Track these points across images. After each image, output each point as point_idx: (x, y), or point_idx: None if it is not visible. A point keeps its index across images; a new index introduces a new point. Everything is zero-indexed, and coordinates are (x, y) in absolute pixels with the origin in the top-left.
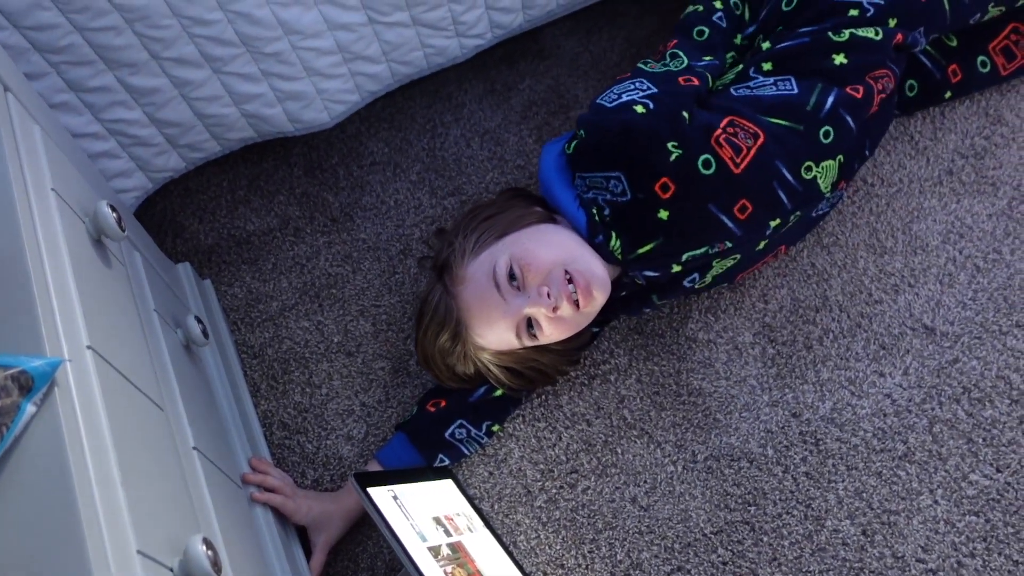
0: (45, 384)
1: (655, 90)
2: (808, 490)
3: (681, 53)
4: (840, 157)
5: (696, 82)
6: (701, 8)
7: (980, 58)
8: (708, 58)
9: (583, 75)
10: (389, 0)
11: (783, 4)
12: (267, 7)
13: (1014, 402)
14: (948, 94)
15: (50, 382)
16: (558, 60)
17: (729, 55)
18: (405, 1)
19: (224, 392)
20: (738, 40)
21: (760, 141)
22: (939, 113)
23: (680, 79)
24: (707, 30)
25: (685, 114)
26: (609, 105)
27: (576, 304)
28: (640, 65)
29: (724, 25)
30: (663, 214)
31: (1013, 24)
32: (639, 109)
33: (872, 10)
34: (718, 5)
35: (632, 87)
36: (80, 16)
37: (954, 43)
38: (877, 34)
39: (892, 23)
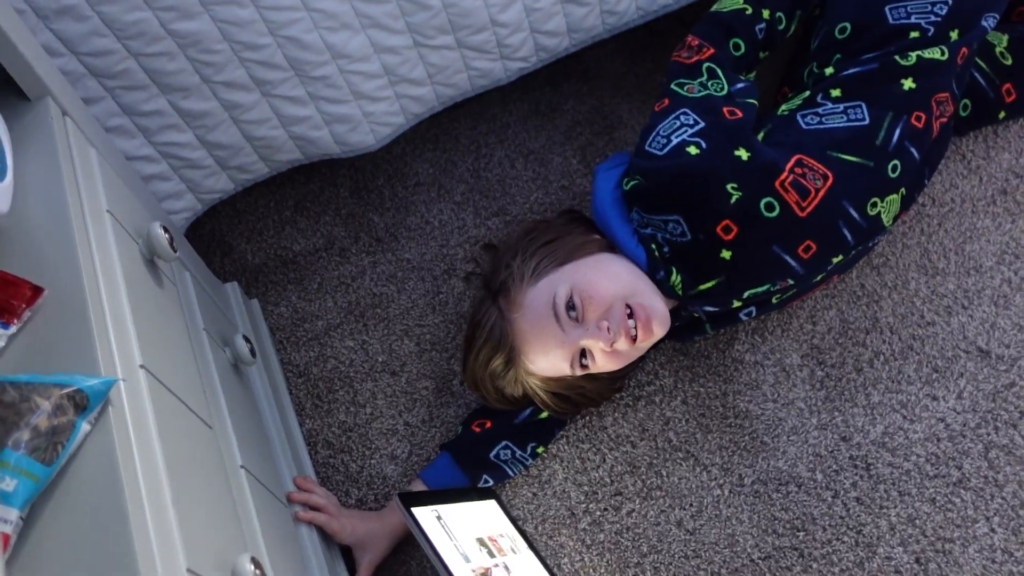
0: (99, 403)
1: (703, 124)
2: (859, 516)
3: (719, 72)
4: (902, 190)
5: (740, 114)
6: (750, 11)
7: None
8: (742, 80)
9: (627, 96)
10: (434, 24)
11: (836, 32)
12: (316, 32)
13: None
14: (1002, 114)
15: (104, 401)
16: (602, 81)
17: (751, 75)
18: (450, 24)
19: (270, 411)
20: (760, 56)
21: (829, 183)
22: (992, 132)
23: (724, 110)
24: (743, 44)
25: (742, 152)
26: (660, 152)
27: (633, 339)
28: (675, 88)
29: (760, 38)
30: (726, 254)
31: None
32: (692, 151)
33: (932, 29)
34: (765, 15)
35: (678, 124)
36: (135, 42)
37: (1009, 62)
38: (943, 54)
39: (954, 35)
